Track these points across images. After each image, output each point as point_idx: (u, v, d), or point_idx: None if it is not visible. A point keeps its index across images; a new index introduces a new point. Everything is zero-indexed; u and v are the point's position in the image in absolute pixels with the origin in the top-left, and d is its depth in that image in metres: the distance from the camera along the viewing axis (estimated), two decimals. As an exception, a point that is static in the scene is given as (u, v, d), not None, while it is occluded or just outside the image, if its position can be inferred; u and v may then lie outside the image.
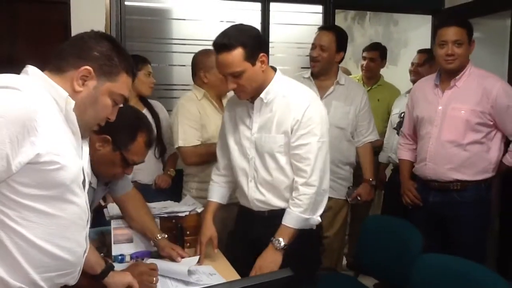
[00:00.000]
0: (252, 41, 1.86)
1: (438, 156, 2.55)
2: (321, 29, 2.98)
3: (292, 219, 1.92)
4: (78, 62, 1.26)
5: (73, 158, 1.26)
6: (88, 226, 1.38)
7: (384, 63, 4.05)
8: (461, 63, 2.51)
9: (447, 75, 2.57)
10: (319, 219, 2.00)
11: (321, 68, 2.88)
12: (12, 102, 1.12)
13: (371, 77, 3.97)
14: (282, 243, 1.89)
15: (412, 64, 3.61)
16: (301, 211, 1.91)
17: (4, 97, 1.12)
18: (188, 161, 2.65)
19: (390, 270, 2.35)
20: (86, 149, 1.38)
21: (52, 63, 1.28)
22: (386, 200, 3.74)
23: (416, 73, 3.53)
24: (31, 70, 1.26)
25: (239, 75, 1.86)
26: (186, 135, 2.58)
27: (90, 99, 1.29)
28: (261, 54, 1.89)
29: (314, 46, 2.90)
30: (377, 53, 3.96)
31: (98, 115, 1.34)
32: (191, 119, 2.60)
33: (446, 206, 2.57)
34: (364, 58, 3.99)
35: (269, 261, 1.89)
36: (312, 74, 2.94)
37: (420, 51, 3.62)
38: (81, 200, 1.31)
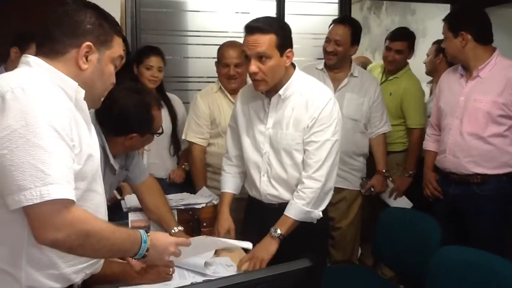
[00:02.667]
0: (285, 33, 1.89)
1: (458, 148, 2.50)
2: (336, 22, 2.92)
3: (293, 210, 1.93)
4: (76, 41, 1.24)
5: (95, 147, 1.27)
6: (106, 213, 1.39)
7: (412, 55, 3.38)
8: (450, 57, 2.60)
9: (471, 65, 2.50)
10: (321, 214, 2.00)
11: (336, 62, 2.86)
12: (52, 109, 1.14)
13: (394, 71, 3.35)
14: (278, 232, 1.90)
15: (427, 55, 3.53)
16: (304, 203, 1.92)
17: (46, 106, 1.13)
18: (190, 153, 2.81)
19: (408, 263, 2.33)
20: (95, 134, 1.38)
21: (44, 47, 1.24)
22: (407, 192, 3.68)
23: (429, 65, 3.47)
24: (33, 61, 1.23)
25: (265, 58, 1.85)
26: (188, 130, 2.77)
27: (97, 73, 1.29)
28: (289, 50, 1.91)
29: (328, 39, 2.86)
30: (405, 44, 3.29)
31: (106, 84, 1.35)
32: (199, 116, 2.73)
33: (466, 199, 2.51)
34: (388, 48, 3.31)
35: (261, 248, 1.89)
36: (325, 65, 2.92)
37: (434, 43, 3.52)
38: (101, 188, 1.32)
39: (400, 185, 3.10)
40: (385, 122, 2.99)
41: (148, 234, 1.40)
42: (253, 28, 1.85)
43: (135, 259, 1.41)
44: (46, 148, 1.08)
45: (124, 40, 2.75)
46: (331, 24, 2.92)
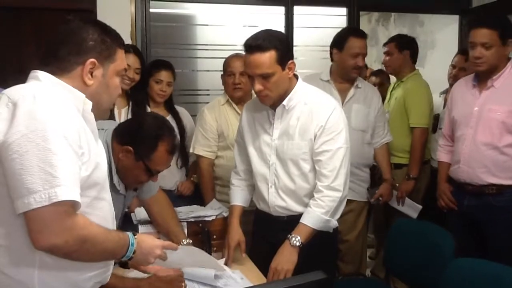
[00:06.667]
0: (283, 46, 1.88)
1: (472, 158, 2.47)
2: (359, 36, 2.80)
3: (311, 219, 1.90)
4: (80, 58, 1.27)
5: (103, 155, 1.29)
6: (115, 222, 1.40)
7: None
8: (490, 66, 2.42)
9: (484, 75, 2.47)
10: (336, 223, 1.99)
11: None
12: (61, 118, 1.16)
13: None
14: (299, 240, 1.87)
15: (454, 66, 3.37)
16: (323, 212, 1.90)
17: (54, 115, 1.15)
18: (198, 166, 2.79)
19: (421, 275, 2.29)
20: (101, 144, 1.40)
21: (50, 65, 1.27)
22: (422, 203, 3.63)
23: (456, 78, 3.25)
24: (42, 75, 1.26)
25: (269, 77, 1.86)
26: (196, 143, 2.74)
27: (103, 87, 1.32)
28: (290, 61, 1.91)
29: (358, 54, 2.76)
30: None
31: (112, 97, 1.38)
32: (206, 129, 2.72)
33: (481, 210, 2.47)
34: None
35: (285, 260, 1.86)
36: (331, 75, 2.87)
37: (463, 52, 3.29)
38: (109, 196, 1.34)
39: (404, 190, 3.09)
40: (388, 131, 3.02)
41: (136, 236, 1.42)
42: (253, 47, 1.85)
43: (122, 260, 1.43)
44: (54, 151, 1.11)
45: (140, 56, 2.77)
46: (348, 36, 2.79)
